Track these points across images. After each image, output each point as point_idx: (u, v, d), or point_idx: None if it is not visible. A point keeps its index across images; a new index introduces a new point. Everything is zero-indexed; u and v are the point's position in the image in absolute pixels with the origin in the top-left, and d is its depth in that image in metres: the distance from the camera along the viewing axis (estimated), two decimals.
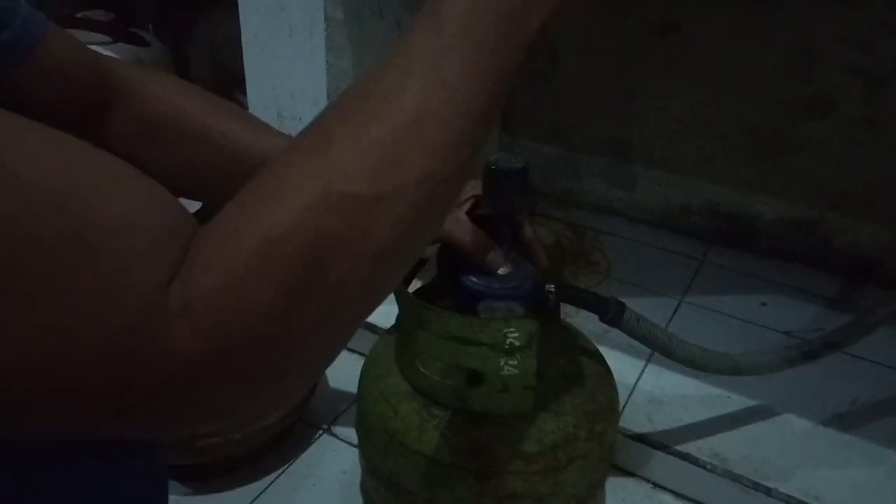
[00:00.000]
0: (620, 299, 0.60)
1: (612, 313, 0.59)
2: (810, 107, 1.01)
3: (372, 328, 0.84)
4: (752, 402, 0.78)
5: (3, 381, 0.23)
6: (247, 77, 0.91)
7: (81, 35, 1.19)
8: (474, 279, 0.56)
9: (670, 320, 0.93)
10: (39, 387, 0.24)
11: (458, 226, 0.55)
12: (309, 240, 0.26)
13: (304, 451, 0.76)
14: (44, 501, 0.28)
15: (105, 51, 1.18)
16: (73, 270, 0.24)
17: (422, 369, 0.56)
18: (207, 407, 0.28)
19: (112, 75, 0.49)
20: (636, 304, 0.61)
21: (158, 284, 0.25)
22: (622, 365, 0.80)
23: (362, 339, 0.85)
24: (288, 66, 0.87)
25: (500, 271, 0.57)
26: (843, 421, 0.77)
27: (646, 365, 0.83)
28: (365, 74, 0.31)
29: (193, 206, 0.56)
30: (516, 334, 0.53)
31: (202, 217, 0.55)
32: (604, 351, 0.66)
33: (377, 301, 0.31)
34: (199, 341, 0.25)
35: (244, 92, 0.92)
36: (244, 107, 0.93)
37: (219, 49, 1.33)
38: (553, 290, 0.58)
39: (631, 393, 0.79)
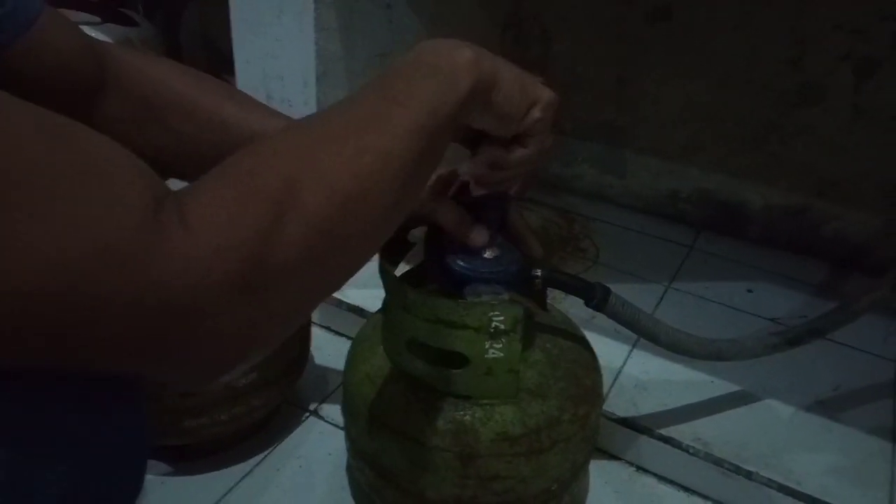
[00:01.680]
0: (607, 285, 0.60)
1: (597, 298, 0.59)
2: (801, 94, 1.02)
3: (359, 311, 0.84)
4: (735, 388, 0.79)
5: (13, 295, 0.24)
6: (235, 58, 0.90)
7: (71, 15, 1.18)
8: (461, 263, 0.56)
9: (657, 306, 0.94)
10: (45, 302, 0.25)
11: (440, 205, 0.55)
12: (290, 168, 0.32)
13: (291, 432, 0.77)
14: (17, 440, 0.28)
15: (94, 31, 1.17)
16: (67, 188, 0.26)
17: (407, 352, 0.56)
18: (209, 333, 0.29)
19: (105, 57, 0.49)
20: (624, 290, 0.61)
21: (151, 198, 0.28)
22: (608, 349, 0.81)
23: (349, 322, 0.86)
24: (277, 48, 0.86)
25: (487, 255, 0.57)
26: (824, 406, 0.78)
27: (631, 350, 0.84)
28: (339, 101, 0.38)
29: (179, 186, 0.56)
30: (501, 318, 0.53)
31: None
32: (590, 336, 0.67)
33: (351, 241, 0.35)
34: (194, 245, 0.28)
35: (234, 72, 0.92)
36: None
37: (209, 29, 1.32)
38: (539, 274, 0.58)
39: (616, 377, 0.80)
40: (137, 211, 0.27)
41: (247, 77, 0.91)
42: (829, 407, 0.77)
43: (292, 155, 0.34)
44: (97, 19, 1.20)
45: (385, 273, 0.56)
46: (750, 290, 0.99)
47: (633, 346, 0.84)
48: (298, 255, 0.32)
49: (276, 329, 0.34)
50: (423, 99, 0.39)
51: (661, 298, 0.96)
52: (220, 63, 1.21)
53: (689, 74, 1.08)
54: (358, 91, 0.40)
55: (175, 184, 0.34)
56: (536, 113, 0.46)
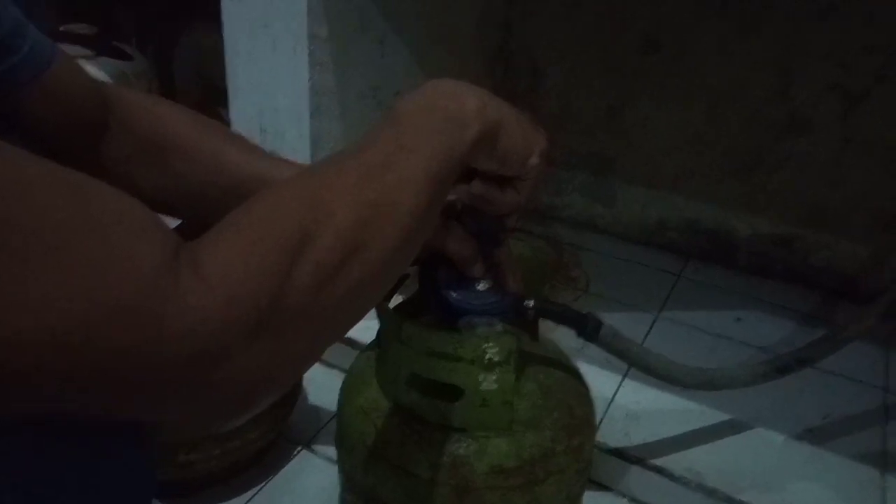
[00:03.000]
0: (598, 314, 0.61)
1: (589, 329, 0.60)
2: (788, 124, 1.04)
3: (352, 343, 0.84)
4: (726, 417, 0.79)
5: (27, 345, 0.24)
6: (229, 91, 0.92)
7: (65, 48, 1.19)
8: (455, 295, 0.57)
9: (647, 335, 0.95)
10: (61, 355, 0.25)
11: (451, 235, 0.56)
12: (303, 217, 0.33)
13: (283, 467, 0.76)
14: (26, 486, 0.28)
15: (88, 64, 1.19)
16: (82, 242, 0.26)
17: (401, 384, 0.57)
18: (220, 382, 0.29)
19: (111, 99, 0.51)
20: (614, 319, 0.62)
21: (165, 253, 0.28)
22: (600, 379, 0.82)
23: (342, 355, 0.86)
24: (271, 82, 0.87)
25: (480, 286, 0.58)
26: (814, 435, 0.78)
27: (623, 379, 0.84)
28: (351, 146, 0.39)
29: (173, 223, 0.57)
30: (496, 350, 0.54)
31: (184, 233, 0.56)
32: (582, 366, 0.67)
33: (361, 286, 0.35)
34: (210, 297, 0.28)
35: (227, 105, 0.93)
36: (226, 121, 0.94)
37: (203, 62, 1.33)
38: (532, 305, 0.59)
39: (608, 407, 0.80)
40: (151, 266, 0.27)
41: (241, 110, 0.92)
42: (820, 435, 0.78)
43: (304, 204, 0.34)
44: (91, 53, 1.22)
45: (379, 306, 0.56)
46: (739, 319, 1.00)
47: (625, 375, 0.85)
48: (311, 302, 0.32)
49: (288, 373, 0.34)
50: (434, 147, 0.40)
51: (651, 327, 0.97)
52: (214, 95, 1.22)
53: (677, 105, 1.10)
54: (369, 134, 0.40)
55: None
56: (535, 160, 0.48)
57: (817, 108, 1.01)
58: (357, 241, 0.34)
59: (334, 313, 0.35)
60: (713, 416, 0.79)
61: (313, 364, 0.38)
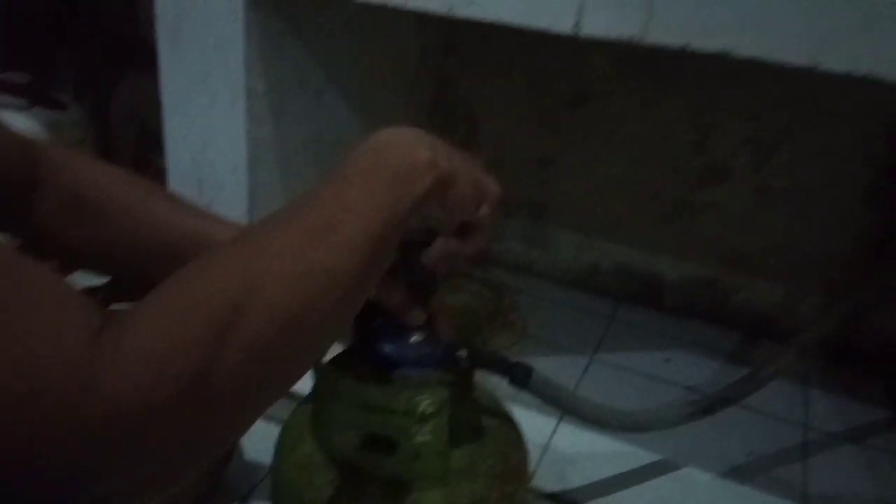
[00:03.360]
0: (535, 358, 0.63)
1: (519, 377, 0.62)
2: (707, 174, 1.10)
3: (290, 395, 0.84)
4: (657, 457, 0.82)
5: None
6: (166, 143, 0.92)
7: None
8: (389, 347, 0.58)
9: (581, 378, 0.97)
10: None
11: (384, 287, 0.56)
12: (232, 292, 0.32)
13: None
14: None
15: (22, 116, 1.17)
16: (6, 320, 0.26)
17: (336, 438, 0.57)
18: (145, 458, 0.30)
19: (41, 156, 0.51)
20: (550, 363, 0.64)
21: (89, 331, 0.28)
22: (535, 423, 0.83)
23: (280, 407, 0.85)
24: (208, 134, 0.88)
25: (415, 337, 0.59)
26: (739, 473, 0.81)
27: (558, 424, 0.86)
28: (293, 203, 0.39)
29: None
30: (429, 401, 0.55)
31: (111, 289, 0.56)
32: (518, 410, 0.69)
33: (294, 358, 0.35)
34: (133, 376, 0.28)
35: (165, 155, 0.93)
36: (163, 171, 0.94)
37: (141, 112, 1.32)
38: (464, 355, 0.60)
39: (544, 452, 0.82)
40: (74, 344, 0.27)
41: (177, 161, 0.92)
42: (744, 473, 0.81)
43: (235, 275, 0.33)
44: (25, 103, 1.20)
45: None
46: (667, 360, 1.04)
47: (560, 419, 0.87)
48: (240, 378, 0.32)
49: (216, 444, 0.34)
50: (379, 206, 0.39)
51: (586, 370, 0.99)
52: (152, 146, 1.22)
53: (605, 155, 1.15)
54: (313, 191, 0.39)
55: None
56: (486, 208, 0.47)
57: (733, 159, 1.07)
58: (291, 313, 0.33)
59: (266, 385, 0.34)
60: (645, 457, 0.82)
61: (245, 432, 0.37)
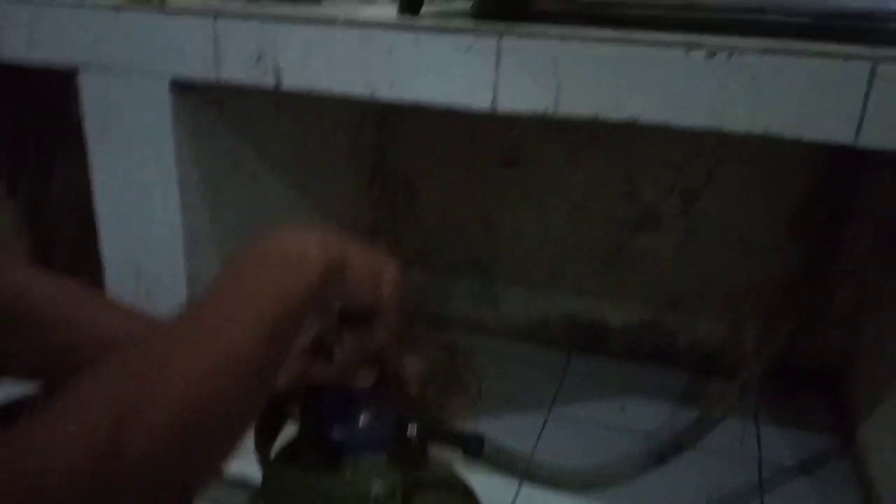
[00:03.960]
0: (493, 418, 0.63)
1: (472, 448, 0.62)
2: (639, 222, 1.13)
3: (242, 484, 0.82)
4: None
5: None
6: (101, 235, 0.91)
7: None
8: (337, 431, 0.58)
9: (540, 435, 0.97)
10: None
11: (314, 367, 0.56)
12: (121, 405, 0.32)
13: None
14: None
15: None
16: None
17: None
18: None
19: None
20: (508, 422, 0.64)
21: None
22: (497, 488, 0.83)
23: (233, 496, 0.83)
24: (144, 227, 0.87)
25: (363, 419, 0.59)
26: None
27: (519, 487, 0.86)
28: (180, 315, 0.38)
29: None
30: (381, 484, 0.55)
31: (43, 394, 0.54)
32: (478, 477, 0.68)
33: (198, 455, 0.35)
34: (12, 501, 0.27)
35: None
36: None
37: (77, 199, 1.31)
38: (415, 431, 0.60)
39: None
40: None
41: (114, 254, 0.91)
42: None
43: (125, 388, 0.33)
44: None
45: (259, 451, 0.56)
46: (623, 408, 1.05)
47: (521, 482, 0.86)
48: (135, 488, 0.32)
49: None
50: (274, 295, 0.39)
51: (544, 426, 1.00)
52: (90, 233, 1.20)
53: (543, 209, 1.18)
54: (208, 289, 0.40)
55: None
56: (387, 288, 0.49)
57: (663, 205, 1.11)
58: (186, 421, 0.33)
59: (170, 486, 0.34)
60: None
61: None
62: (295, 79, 0.70)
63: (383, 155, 1.27)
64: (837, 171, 0.95)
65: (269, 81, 0.71)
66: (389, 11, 0.74)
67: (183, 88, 0.79)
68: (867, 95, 0.52)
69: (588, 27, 0.62)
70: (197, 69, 0.75)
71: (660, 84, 0.58)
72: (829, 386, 1.09)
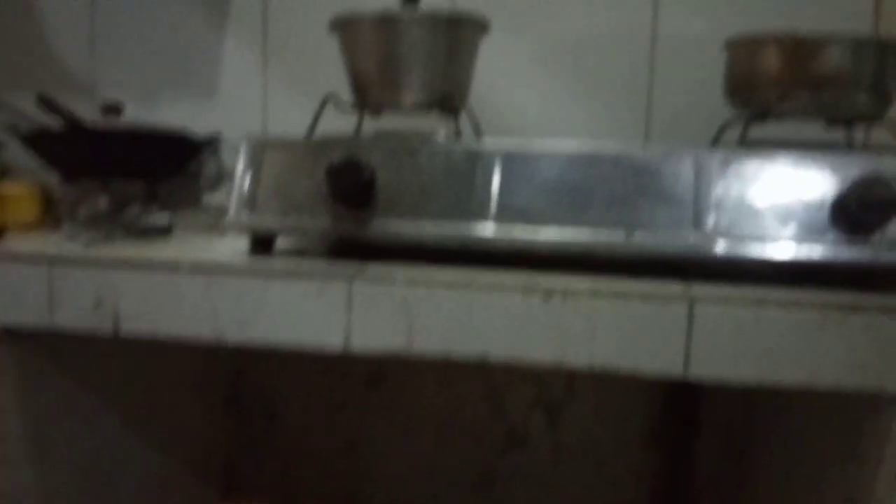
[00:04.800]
0: None
1: None
2: (508, 440, 1.13)
3: None
4: None
5: None
6: None
7: None
8: None
9: None
10: None
11: None
12: None
13: None
14: None
15: None
16: None
17: None
18: None
19: None
20: None
21: None
22: None
23: None
24: None
25: None
26: None
27: None
28: None
29: None
30: None
31: None
32: None
33: None
34: None
35: None
36: None
37: None
38: None
39: None
40: None
41: None
42: None
43: None
44: None
45: None
46: None
47: None
48: None
49: None
50: None
51: None
52: None
53: (410, 431, 1.16)
54: None
55: None
56: None
57: (528, 422, 1.12)
58: None
59: None
60: None
61: None
62: (135, 325, 0.68)
63: (240, 379, 1.22)
64: (680, 387, 1.01)
65: (106, 327, 0.68)
66: (242, 245, 0.75)
67: (14, 335, 0.74)
68: (689, 332, 0.57)
69: (436, 267, 0.65)
70: (30, 316, 0.71)
71: (504, 324, 0.61)
72: None
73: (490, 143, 0.69)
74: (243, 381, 1.22)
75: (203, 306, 0.67)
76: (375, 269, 0.66)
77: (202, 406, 1.16)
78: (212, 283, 0.66)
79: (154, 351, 1.00)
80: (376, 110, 0.81)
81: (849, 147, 0.73)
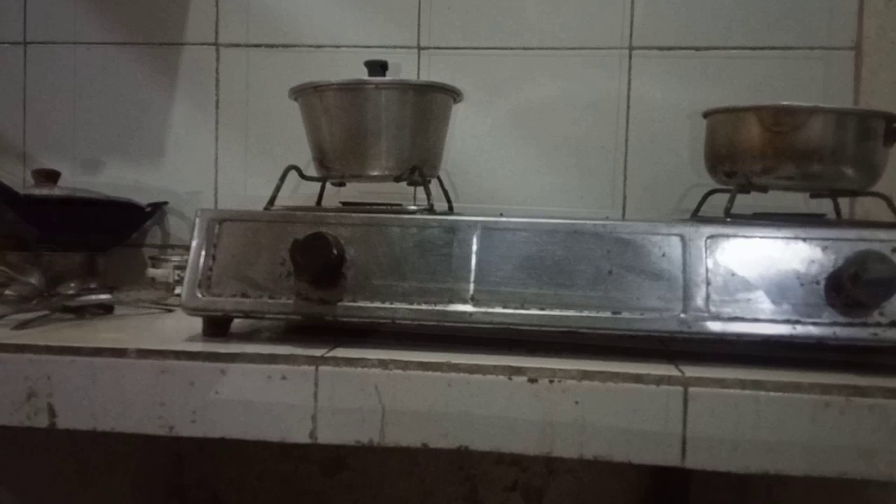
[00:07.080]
0: None
1: None
2: None
3: None
4: None
5: None
6: None
7: None
8: None
9: None
10: None
11: None
12: None
13: None
14: None
15: None
16: None
17: None
18: None
19: None
20: None
21: None
22: None
23: None
24: None
25: None
26: None
27: None
28: None
29: None
30: None
31: None
32: None
33: None
34: None
35: None
36: None
37: None
38: None
39: None
40: None
41: None
42: None
43: None
44: None
45: None
46: None
47: None
48: None
49: None
50: None
51: None
52: None
53: None
54: None
55: None
56: None
57: None
58: None
59: None
60: None
61: None
62: (74, 418, 0.64)
63: (182, 468, 1.17)
64: (670, 470, 1.00)
65: (40, 422, 0.64)
66: (194, 324, 0.72)
67: None
68: (685, 418, 0.57)
69: (410, 349, 0.64)
70: None
71: (487, 410, 0.60)
72: None
73: (467, 215, 0.69)
74: (187, 471, 1.17)
75: (151, 396, 0.63)
76: (344, 350, 0.64)
77: (140, 493, 1.10)
78: (161, 370, 0.63)
79: (87, 438, 0.95)
80: (341, 182, 0.80)
81: (838, 218, 0.75)
